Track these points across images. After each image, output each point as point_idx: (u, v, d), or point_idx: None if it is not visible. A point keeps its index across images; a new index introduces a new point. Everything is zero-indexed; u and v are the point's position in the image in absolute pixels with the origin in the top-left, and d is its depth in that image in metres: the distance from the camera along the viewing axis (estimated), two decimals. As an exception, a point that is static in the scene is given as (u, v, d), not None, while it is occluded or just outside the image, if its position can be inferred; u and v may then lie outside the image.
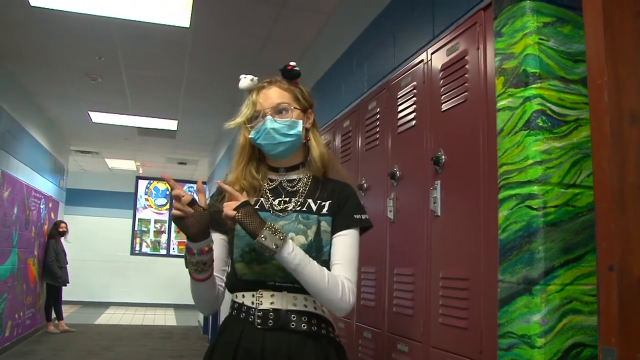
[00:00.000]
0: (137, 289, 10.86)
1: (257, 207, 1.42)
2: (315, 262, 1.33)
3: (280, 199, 1.45)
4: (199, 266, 1.32)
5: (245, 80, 1.49)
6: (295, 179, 1.49)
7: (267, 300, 1.36)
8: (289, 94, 1.46)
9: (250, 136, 1.46)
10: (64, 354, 5.81)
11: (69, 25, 3.87)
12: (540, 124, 1.31)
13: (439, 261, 1.77)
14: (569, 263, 1.28)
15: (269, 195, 1.46)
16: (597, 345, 1.07)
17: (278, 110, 1.43)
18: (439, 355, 1.68)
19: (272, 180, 1.49)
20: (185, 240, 1.32)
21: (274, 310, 1.35)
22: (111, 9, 3.59)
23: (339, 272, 1.37)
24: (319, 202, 1.45)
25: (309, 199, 1.45)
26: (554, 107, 1.32)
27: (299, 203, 1.44)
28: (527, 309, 1.27)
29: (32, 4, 3.54)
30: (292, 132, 1.43)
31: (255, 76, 1.50)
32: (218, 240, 1.44)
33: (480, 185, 1.56)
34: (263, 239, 1.26)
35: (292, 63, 1.48)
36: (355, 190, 1.56)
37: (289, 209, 1.43)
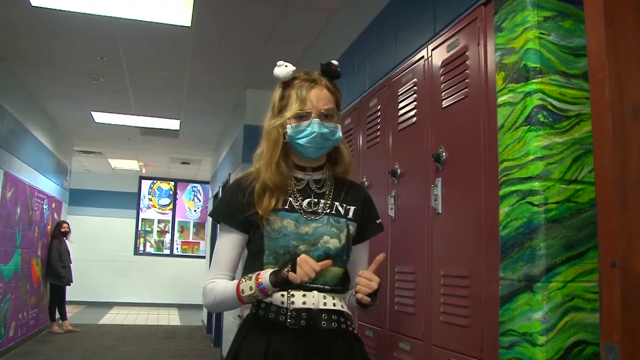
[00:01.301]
0: (141, 289, 10.85)
1: (286, 206, 1.41)
2: None
3: (310, 200, 1.44)
4: (258, 299, 1.37)
5: (287, 70, 1.42)
6: (320, 179, 1.48)
7: (299, 300, 1.35)
8: (334, 97, 1.44)
9: (289, 133, 1.42)
10: (68, 353, 5.81)
11: (70, 25, 3.86)
12: (541, 119, 1.30)
13: (440, 259, 1.75)
14: (570, 260, 1.27)
15: (297, 196, 1.44)
16: (600, 342, 1.06)
17: (325, 114, 1.41)
18: (441, 353, 1.67)
19: (298, 180, 1.46)
20: (265, 284, 1.32)
21: (306, 309, 1.35)
22: (112, 8, 3.58)
23: None
24: (344, 205, 1.46)
25: (335, 201, 1.45)
26: (555, 102, 1.31)
27: (327, 205, 1.44)
28: (528, 306, 1.26)
29: (33, 4, 3.54)
30: (334, 137, 1.43)
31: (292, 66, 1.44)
32: (239, 239, 1.44)
33: (481, 182, 1.55)
34: (369, 309, 1.42)
35: (334, 62, 1.45)
36: None
37: (319, 211, 1.42)
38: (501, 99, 1.42)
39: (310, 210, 1.42)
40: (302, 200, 1.43)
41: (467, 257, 1.61)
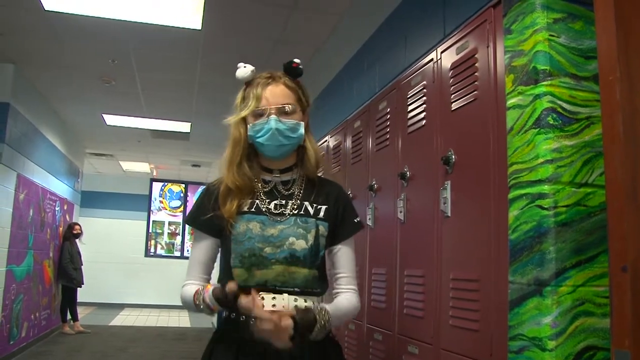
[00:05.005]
0: (152, 290, 10.90)
1: (253, 209, 1.40)
2: (341, 303, 1.39)
3: (276, 202, 1.42)
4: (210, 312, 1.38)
5: (246, 70, 1.43)
6: (289, 180, 1.46)
7: (269, 303, 1.33)
8: (294, 93, 1.42)
9: (249, 133, 1.42)
10: (78, 355, 5.85)
11: (82, 28, 3.90)
12: (551, 122, 1.29)
13: (449, 262, 1.74)
14: (581, 264, 1.25)
15: (264, 198, 1.42)
16: (610, 348, 1.05)
17: (284, 110, 1.39)
18: (450, 357, 1.66)
19: (266, 182, 1.45)
20: (212, 302, 1.33)
21: (276, 312, 1.33)
22: (124, 12, 3.62)
23: (346, 284, 1.43)
24: (314, 205, 1.43)
25: (305, 201, 1.43)
26: (564, 105, 1.30)
27: (295, 206, 1.41)
28: (537, 310, 1.25)
29: (46, 9, 3.58)
30: (295, 134, 1.40)
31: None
32: (210, 243, 1.45)
33: (491, 185, 1.54)
34: (316, 336, 1.30)
35: (296, 60, 1.43)
36: (344, 189, 1.55)
37: (286, 213, 1.40)
38: (510, 102, 1.41)
39: (277, 212, 1.40)
40: (269, 202, 1.41)
41: (476, 261, 1.60)
